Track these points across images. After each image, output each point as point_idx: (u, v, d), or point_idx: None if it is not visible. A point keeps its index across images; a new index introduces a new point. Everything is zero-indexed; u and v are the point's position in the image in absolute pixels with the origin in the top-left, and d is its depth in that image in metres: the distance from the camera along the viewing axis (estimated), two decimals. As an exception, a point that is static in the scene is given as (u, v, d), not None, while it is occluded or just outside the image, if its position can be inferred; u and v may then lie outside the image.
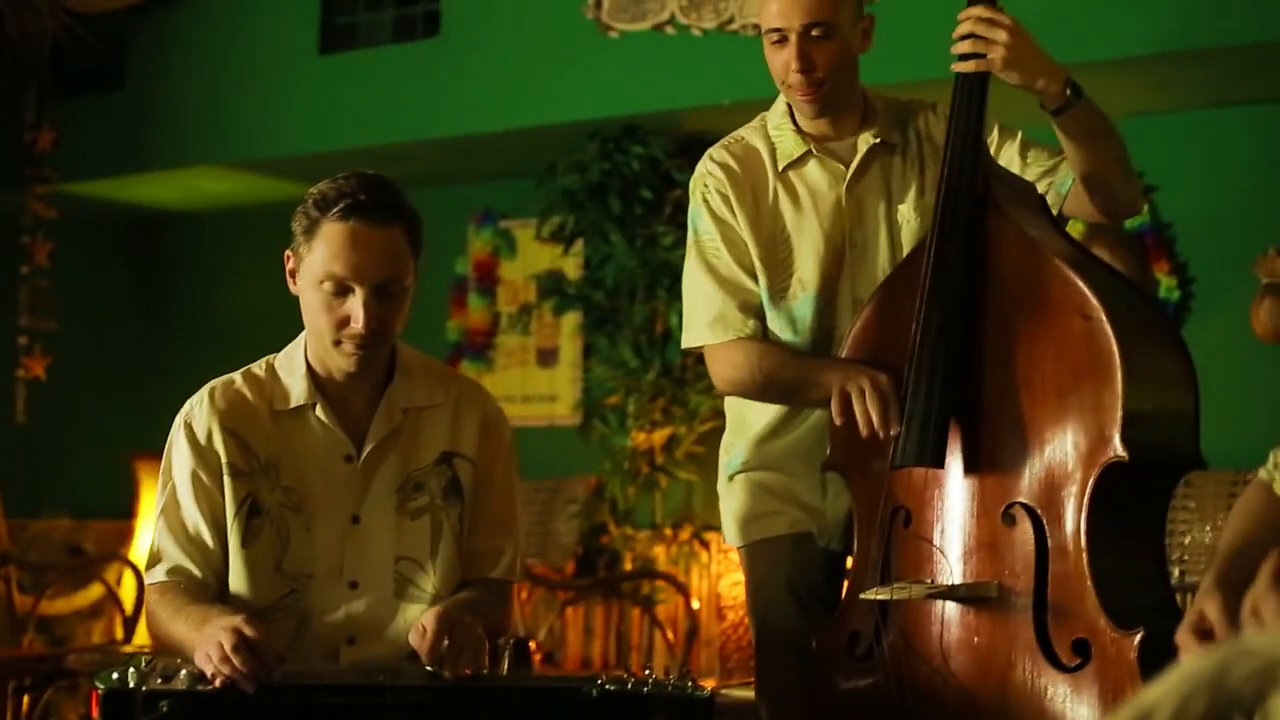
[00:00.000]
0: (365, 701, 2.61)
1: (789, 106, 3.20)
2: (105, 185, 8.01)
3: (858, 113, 3.19)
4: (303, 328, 2.89)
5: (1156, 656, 2.63)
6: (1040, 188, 3.07)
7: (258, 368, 2.95)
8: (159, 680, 2.52)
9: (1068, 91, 2.90)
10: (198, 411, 2.90)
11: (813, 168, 3.17)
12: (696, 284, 3.19)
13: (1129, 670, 2.67)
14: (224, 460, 2.86)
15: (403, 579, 2.87)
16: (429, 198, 5.96)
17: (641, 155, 6.73)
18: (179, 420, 2.91)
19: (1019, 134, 3.18)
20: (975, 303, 2.91)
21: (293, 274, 2.84)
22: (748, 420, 3.24)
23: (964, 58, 2.95)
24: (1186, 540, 5.60)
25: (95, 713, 2.52)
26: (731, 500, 3.26)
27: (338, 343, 2.80)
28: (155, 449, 3.05)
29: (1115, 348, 2.75)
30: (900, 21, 5.50)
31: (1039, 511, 2.79)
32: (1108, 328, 2.76)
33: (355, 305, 2.75)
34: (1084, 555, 2.74)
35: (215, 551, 2.85)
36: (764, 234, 3.16)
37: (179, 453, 2.89)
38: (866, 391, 2.92)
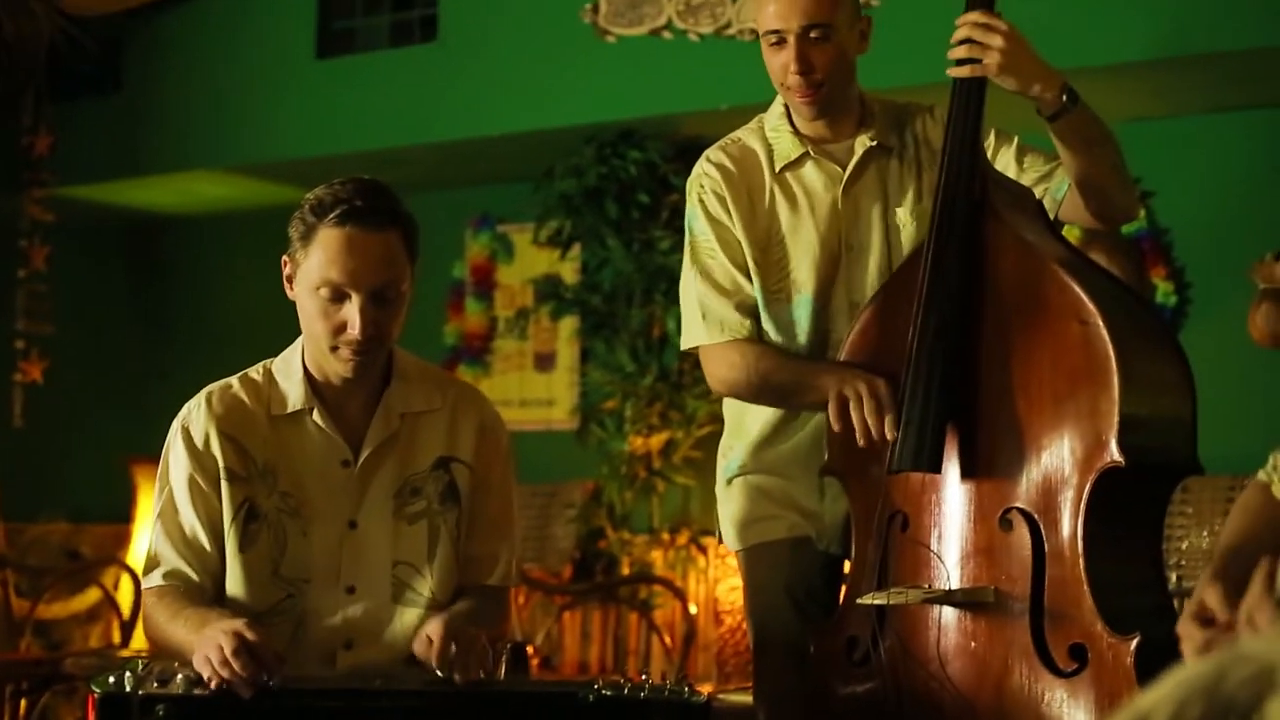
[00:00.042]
0: (362, 706, 2.61)
1: (786, 108, 3.20)
2: (102, 189, 8.01)
3: (855, 115, 3.20)
4: (300, 332, 2.89)
5: (1153, 662, 2.64)
6: (1036, 193, 3.07)
7: (255, 372, 2.95)
8: (155, 684, 2.52)
9: (1064, 97, 2.90)
10: (195, 416, 2.90)
11: (810, 169, 3.18)
12: (692, 285, 3.20)
13: (1126, 675, 2.67)
14: (221, 465, 2.86)
15: (400, 583, 2.87)
16: (426, 202, 5.97)
17: (639, 160, 6.73)
18: (176, 425, 2.91)
19: (1015, 139, 3.18)
20: (972, 307, 2.91)
21: (289, 279, 2.84)
22: (745, 423, 3.24)
23: (960, 63, 2.95)
24: (1184, 545, 5.60)
25: (91, 717, 2.52)
26: (730, 504, 3.26)
27: (334, 348, 2.80)
28: (153, 453, 3.05)
29: (1112, 353, 2.75)
30: (900, 25, 5.51)
31: (1036, 517, 2.79)
32: (1105, 333, 2.76)
33: (352, 311, 2.76)
34: (1081, 560, 2.74)
35: (212, 556, 2.85)
36: (759, 235, 3.16)
37: (176, 457, 2.89)
38: (864, 396, 2.92)
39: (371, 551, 2.87)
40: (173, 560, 2.86)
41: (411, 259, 2.82)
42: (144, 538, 7.00)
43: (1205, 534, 5.52)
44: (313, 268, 2.76)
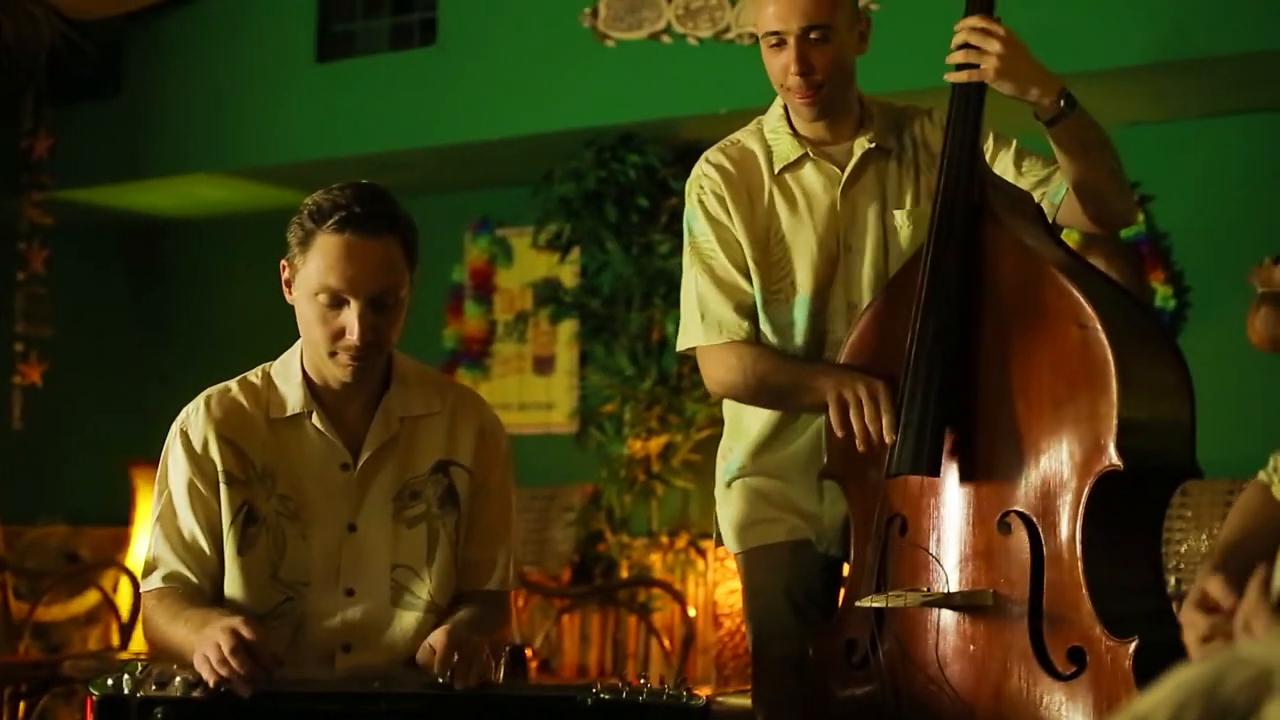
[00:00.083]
0: (361, 709, 2.61)
1: (785, 110, 3.21)
2: (102, 192, 8.01)
3: (854, 117, 3.20)
4: (299, 335, 2.89)
5: (1152, 665, 2.64)
6: (1034, 197, 3.07)
7: (254, 376, 2.96)
8: (154, 687, 2.52)
9: (1061, 103, 2.91)
10: (194, 420, 2.90)
11: (809, 171, 3.18)
12: (691, 286, 3.20)
13: (1124, 679, 2.67)
14: (220, 468, 2.86)
15: (399, 587, 2.87)
16: (425, 206, 5.96)
17: (638, 163, 6.73)
18: (175, 428, 2.91)
19: (1014, 143, 3.19)
20: (971, 311, 2.91)
21: (288, 284, 2.84)
22: (744, 425, 3.24)
23: (959, 68, 2.95)
24: (1183, 549, 5.60)
25: (90, 719, 2.52)
26: (729, 507, 3.27)
27: (333, 354, 2.80)
28: (152, 455, 3.05)
29: (1111, 357, 2.75)
30: (900, 28, 5.51)
31: (1034, 520, 2.80)
32: (1103, 337, 2.76)
33: (350, 317, 2.75)
34: (1079, 564, 2.74)
35: (211, 559, 2.85)
36: (758, 236, 3.16)
37: (175, 461, 2.89)
38: (863, 399, 2.92)
39: (370, 555, 2.87)
40: (172, 563, 2.86)
41: (410, 264, 2.82)
42: (143, 540, 6.99)
43: (1204, 537, 5.52)
44: (311, 274, 2.76)
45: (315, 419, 2.88)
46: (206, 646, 2.56)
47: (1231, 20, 5.50)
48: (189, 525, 2.86)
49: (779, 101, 3.21)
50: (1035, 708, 2.75)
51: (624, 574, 6.84)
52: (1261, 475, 2.42)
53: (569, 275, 7.30)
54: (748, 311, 3.16)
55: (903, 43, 5.40)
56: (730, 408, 3.29)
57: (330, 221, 2.74)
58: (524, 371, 7.70)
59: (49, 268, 7.63)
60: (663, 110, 6.55)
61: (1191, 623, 2.11)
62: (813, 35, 3.06)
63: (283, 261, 2.84)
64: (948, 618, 2.86)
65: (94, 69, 7.43)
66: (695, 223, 3.20)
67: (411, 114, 7.06)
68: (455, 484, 2.93)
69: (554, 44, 6.71)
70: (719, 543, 3.34)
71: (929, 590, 2.87)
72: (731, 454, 3.27)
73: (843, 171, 3.17)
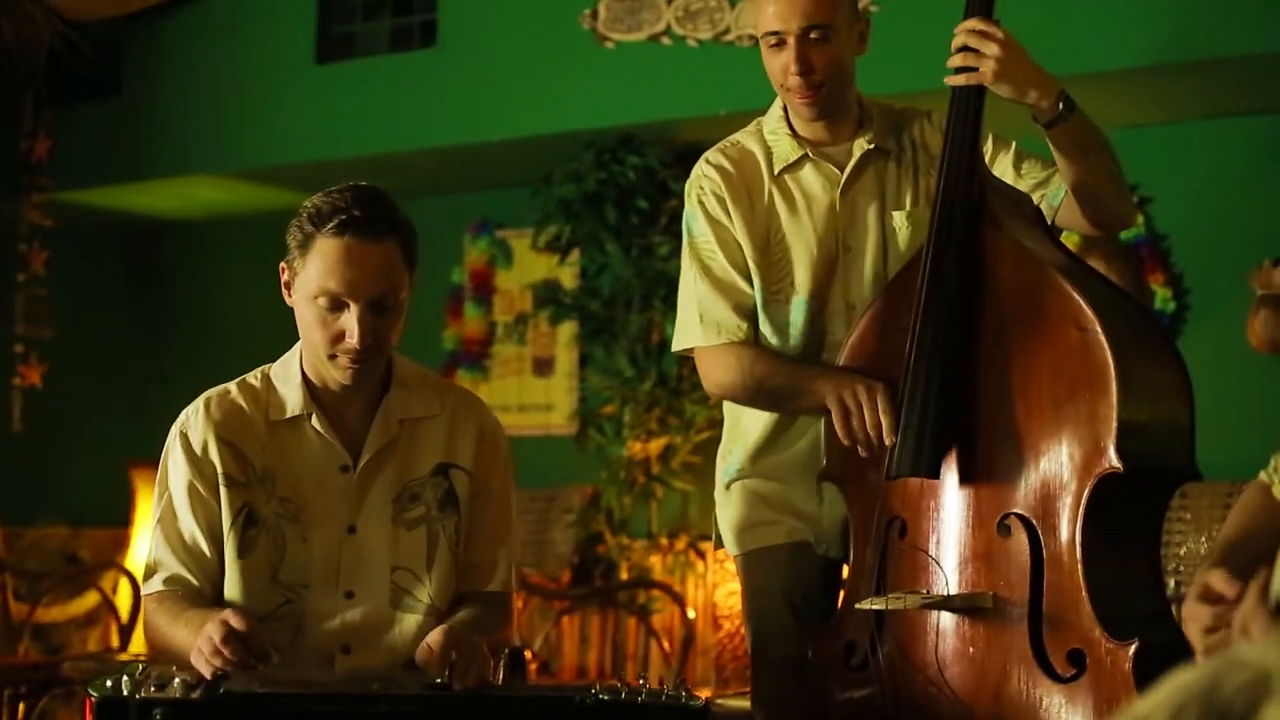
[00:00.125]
0: (360, 710, 2.60)
1: (785, 111, 3.21)
2: (102, 194, 8.01)
3: (853, 118, 3.20)
4: (299, 337, 2.89)
5: (1152, 667, 2.64)
6: (1033, 199, 3.08)
7: (253, 378, 2.95)
8: (153, 688, 2.51)
9: (1060, 105, 2.91)
10: (193, 422, 2.90)
11: (808, 171, 3.18)
12: (691, 286, 3.20)
13: (1124, 681, 2.67)
14: (220, 471, 2.86)
15: (399, 589, 2.87)
16: (425, 207, 5.97)
17: (637, 165, 6.74)
18: (175, 431, 2.91)
19: (1013, 145, 3.19)
20: (971, 313, 2.91)
21: (288, 286, 2.84)
22: (744, 427, 3.24)
23: (958, 71, 2.95)
24: (1182, 551, 5.60)
25: (89, 721, 2.52)
26: (728, 509, 3.27)
27: (333, 356, 2.80)
28: (152, 457, 3.05)
29: (1110, 359, 2.75)
30: (900, 31, 5.52)
31: (1034, 522, 2.80)
32: (1103, 339, 2.76)
33: (350, 320, 2.75)
34: (1079, 566, 2.74)
35: (212, 561, 2.85)
36: (758, 236, 3.16)
37: (175, 463, 2.89)
38: (863, 402, 2.92)
39: (370, 557, 2.87)
40: (173, 566, 2.86)
41: (410, 267, 2.82)
42: (143, 542, 7.01)
43: (1203, 539, 5.53)
44: (311, 277, 2.76)
45: (315, 421, 2.88)
46: (201, 642, 2.58)
47: (1232, 22, 5.51)
48: (189, 528, 2.86)
49: (778, 103, 3.22)
50: (1035, 710, 2.75)
51: (623, 576, 6.84)
52: (1262, 475, 2.42)
53: (568, 277, 7.30)
54: (746, 313, 3.16)
55: (902, 45, 5.41)
56: (730, 410, 3.29)
57: (330, 225, 2.74)
58: (523, 373, 7.71)
59: (49, 269, 7.63)
60: (662, 112, 6.55)
61: (1194, 615, 2.11)
62: (813, 35, 3.06)
63: (282, 264, 2.83)
64: (947, 620, 2.86)
65: (94, 70, 7.44)
66: (695, 223, 3.20)
67: (411, 115, 7.06)
68: (455, 486, 2.93)
69: (554, 46, 6.72)
70: (718, 545, 3.34)
71: (929, 592, 2.87)
72: (731, 456, 3.27)
73: (842, 172, 3.17)
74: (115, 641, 6.72)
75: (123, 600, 6.94)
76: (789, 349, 3.16)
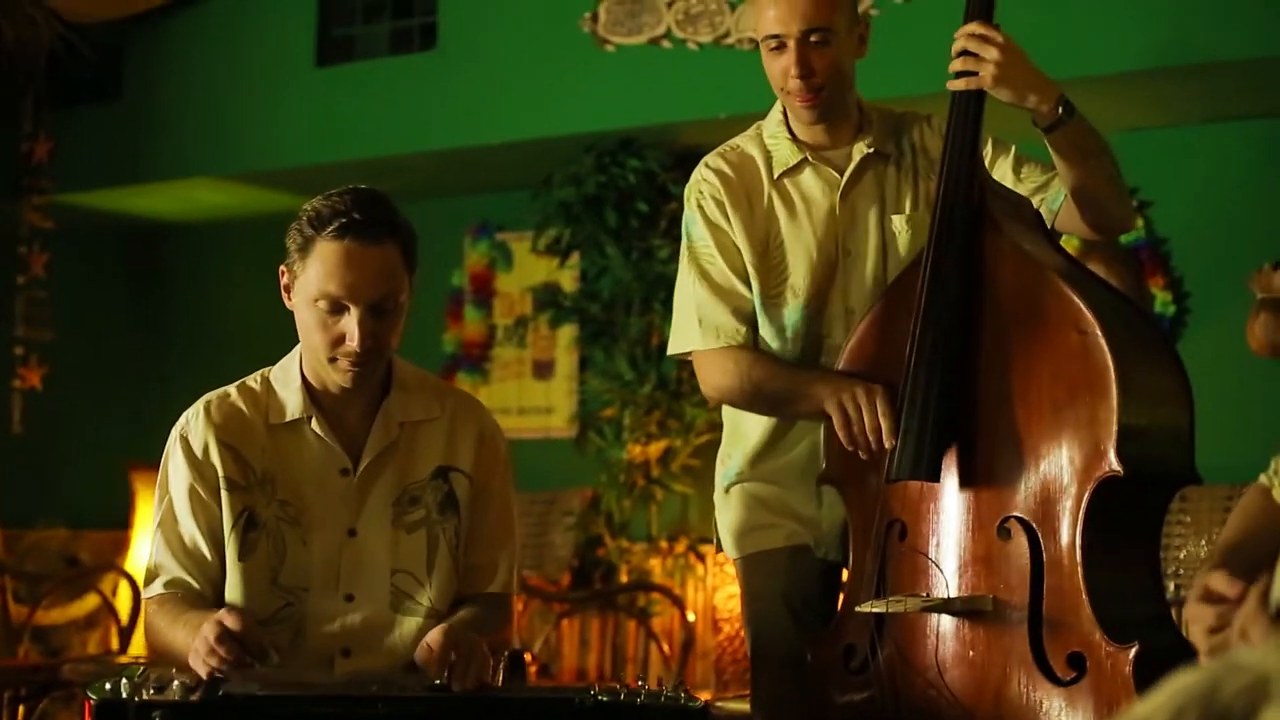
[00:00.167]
0: (359, 712, 2.61)
1: (785, 115, 3.21)
2: (102, 196, 8.01)
3: (853, 122, 3.20)
4: (298, 340, 2.89)
5: (1152, 670, 2.64)
6: (1033, 203, 3.08)
7: (253, 381, 2.95)
8: (152, 690, 2.52)
9: (1060, 109, 2.91)
10: (193, 425, 2.90)
11: (808, 175, 3.18)
12: (689, 290, 3.20)
13: (1124, 684, 2.67)
14: (220, 474, 2.86)
15: (399, 592, 2.87)
16: (425, 210, 5.98)
17: (638, 168, 6.74)
18: (175, 434, 2.91)
19: (1013, 149, 3.19)
20: (971, 317, 2.91)
21: (288, 289, 2.84)
22: (743, 430, 3.24)
23: (957, 75, 2.96)
24: (1182, 554, 5.60)
25: (89, 723, 2.52)
26: (727, 512, 3.27)
27: (333, 359, 2.80)
28: (152, 459, 3.05)
29: (1110, 363, 2.75)
30: (900, 35, 5.52)
31: (1034, 525, 2.80)
32: (1103, 343, 2.76)
33: (350, 323, 2.75)
34: (1079, 569, 2.74)
35: (213, 564, 2.86)
36: (758, 240, 3.16)
37: (175, 467, 2.89)
38: (862, 405, 2.92)
39: (370, 560, 2.87)
40: (173, 569, 2.86)
41: (410, 270, 2.82)
42: (143, 544, 7.01)
43: (1203, 543, 5.52)
44: (311, 280, 2.76)
45: (315, 424, 2.88)
46: (198, 642, 2.59)
47: (1232, 25, 5.51)
48: (190, 531, 2.86)
49: (778, 106, 3.22)
50: (1035, 713, 2.75)
51: (623, 578, 6.84)
52: (1262, 478, 2.43)
53: (568, 280, 7.30)
54: (745, 317, 3.16)
55: (902, 49, 5.41)
56: (729, 414, 3.29)
57: (330, 228, 2.74)
58: (523, 376, 7.70)
59: (49, 271, 7.63)
60: (662, 115, 6.55)
61: (1197, 616, 2.11)
62: (813, 38, 3.07)
63: (282, 267, 2.84)
64: (947, 623, 2.86)
65: (94, 73, 7.44)
66: (694, 227, 3.21)
67: (411, 118, 7.06)
68: (455, 489, 2.93)
69: (554, 49, 6.72)
70: (718, 548, 3.34)
71: (928, 595, 2.87)
72: (730, 460, 3.27)
73: (842, 176, 3.17)
74: (115, 644, 6.72)
75: (122, 603, 6.94)
76: (788, 352, 3.16)
